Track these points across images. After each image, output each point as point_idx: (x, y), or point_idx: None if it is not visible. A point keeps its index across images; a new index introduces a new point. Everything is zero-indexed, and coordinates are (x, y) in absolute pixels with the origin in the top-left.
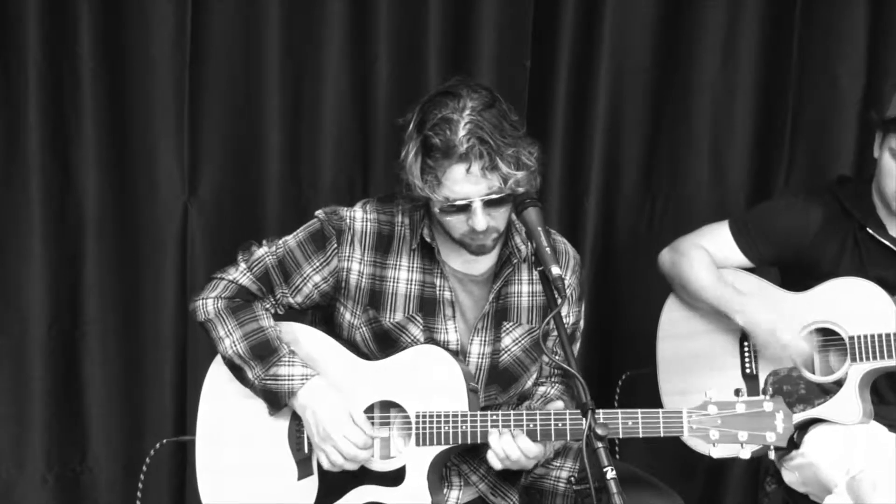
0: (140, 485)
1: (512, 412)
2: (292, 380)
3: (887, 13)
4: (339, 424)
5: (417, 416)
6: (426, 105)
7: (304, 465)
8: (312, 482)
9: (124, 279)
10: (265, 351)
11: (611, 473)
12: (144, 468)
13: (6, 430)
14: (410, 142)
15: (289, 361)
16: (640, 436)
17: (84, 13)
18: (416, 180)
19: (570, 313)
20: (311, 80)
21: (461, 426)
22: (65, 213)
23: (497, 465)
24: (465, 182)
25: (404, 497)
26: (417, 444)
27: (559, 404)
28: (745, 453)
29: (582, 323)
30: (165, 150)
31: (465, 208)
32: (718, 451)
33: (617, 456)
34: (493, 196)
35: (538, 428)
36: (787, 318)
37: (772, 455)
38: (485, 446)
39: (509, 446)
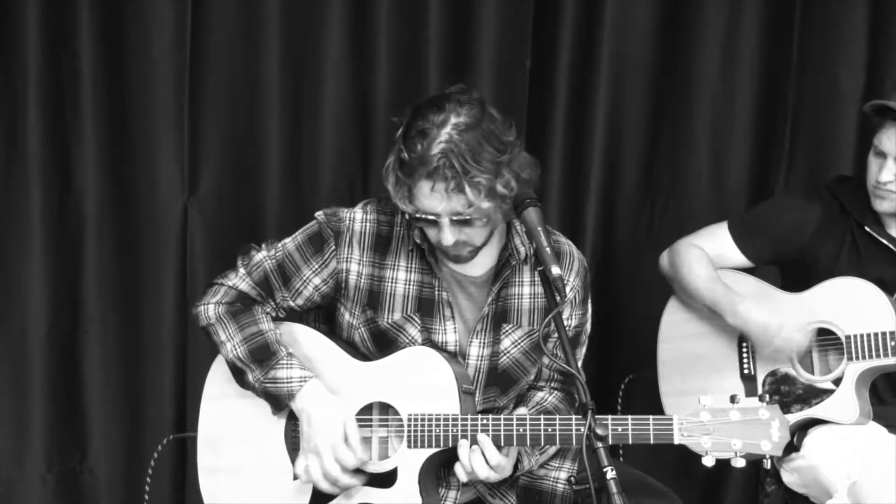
0: (148, 479)
1: (502, 417)
2: (290, 382)
3: (887, 13)
4: (331, 443)
5: (409, 418)
6: (413, 112)
7: None
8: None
9: (124, 279)
10: (264, 354)
11: (611, 473)
12: (152, 462)
13: (6, 430)
14: (392, 150)
15: (287, 364)
16: (630, 442)
17: (84, 13)
18: (391, 188)
19: (573, 315)
20: (311, 80)
21: (452, 429)
22: (65, 213)
23: (463, 477)
24: (431, 198)
25: (396, 499)
26: (409, 446)
27: (521, 410)
28: (740, 462)
29: (588, 326)
30: (165, 150)
31: (434, 223)
32: (711, 460)
33: (621, 458)
34: (460, 217)
35: (528, 433)
36: (782, 316)
37: (767, 465)
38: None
39: (477, 461)
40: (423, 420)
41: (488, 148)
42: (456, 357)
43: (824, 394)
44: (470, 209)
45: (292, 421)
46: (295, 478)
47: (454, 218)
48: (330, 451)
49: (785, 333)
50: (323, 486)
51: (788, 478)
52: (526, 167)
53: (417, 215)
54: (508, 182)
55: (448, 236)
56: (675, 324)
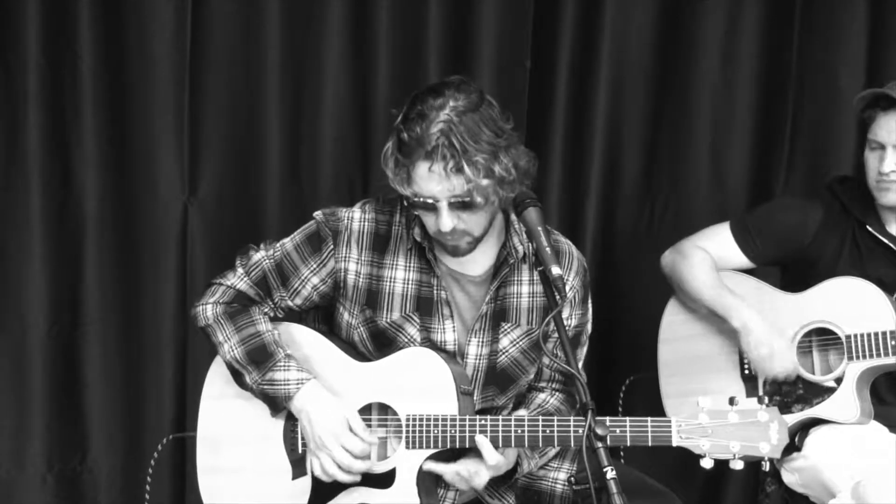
0: (148, 479)
1: (500, 418)
2: (288, 384)
3: (887, 13)
4: (334, 433)
5: (407, 419)
6: (413, 99)
7: (298, 464)
8: (306, 482)
9: (124, 279)
10: (261, 356)
11: (611, 473)
12: (153, 462)
13: (6, 430)
14: (392, 134)
15: (284, 366)
16: (628, 444)
17: (84, 13)
18: (390, 172)
19: (573, 315)
20: (312, 80)
21: (450, 430)
22: (65, 213)
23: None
24: (429, 180)
25: (394, 499)
26: (407, 447)
27: (521, 412)
28: (738, 464)
29: (589, 326)
30: (165, 150)
31: (432, 207)
32: (709, 462)
33: (622, 459)
34: (458, 199)
35: (526, 435)
36: (781, 323)
37: (766, 467)
38: (475, 450)
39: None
40: (421, 421)
41: (486, 131)
42: (454, 357)
43: (825, 393)
44: (469, 186)
45: (291, 421)
46: (314, 478)
47: (452, 200)
48: (335, 441)
49: (779, 349)
50: (341, 477)
51: (789, 478)
52: (523, 157)
53: (416, 199)
54: (507, 166)
55: (446, 221)
56: (675, 325)
